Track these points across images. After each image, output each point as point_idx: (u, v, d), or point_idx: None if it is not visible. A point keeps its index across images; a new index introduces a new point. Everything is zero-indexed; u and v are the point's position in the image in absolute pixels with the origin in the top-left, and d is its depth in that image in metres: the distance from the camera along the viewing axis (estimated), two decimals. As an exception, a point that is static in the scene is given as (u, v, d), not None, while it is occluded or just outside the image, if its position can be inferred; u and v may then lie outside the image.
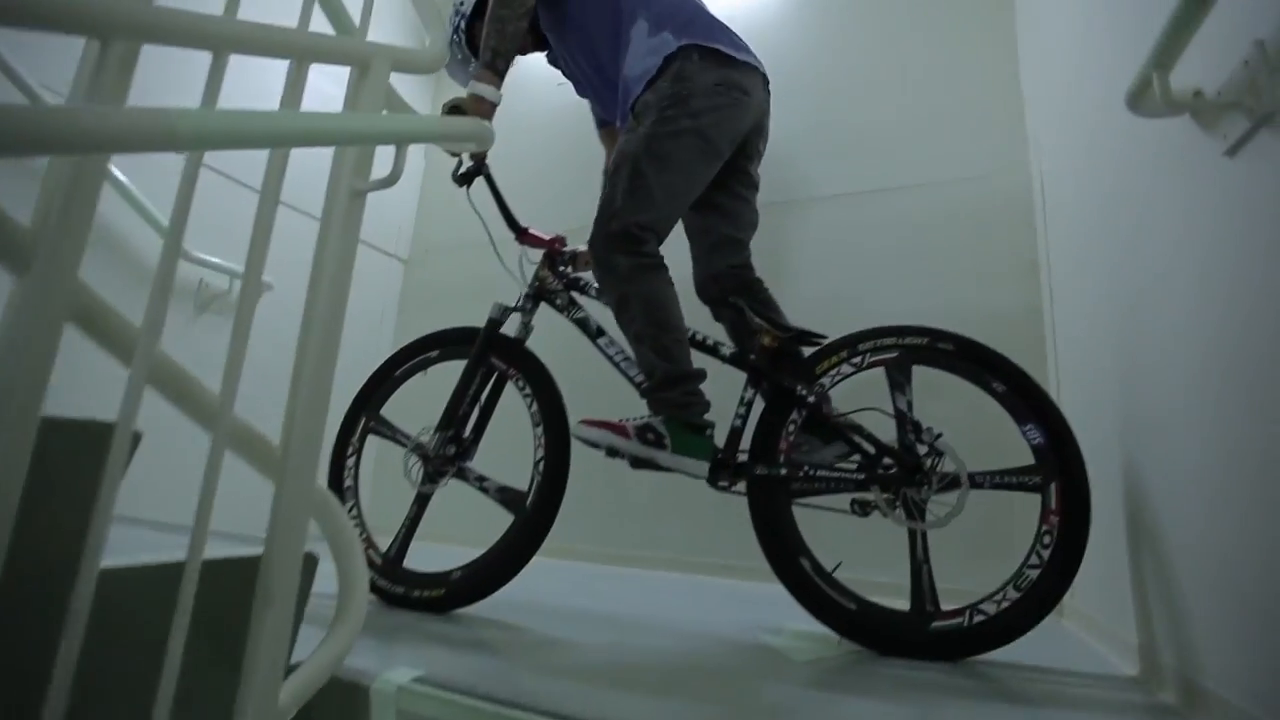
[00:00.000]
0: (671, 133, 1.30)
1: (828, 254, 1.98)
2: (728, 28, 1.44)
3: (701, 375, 1.29)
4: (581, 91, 1.66)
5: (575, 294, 1.50)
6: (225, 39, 0.64)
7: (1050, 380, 1.62)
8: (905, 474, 1.19)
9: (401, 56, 0.93)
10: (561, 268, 1.54)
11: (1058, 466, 1.14)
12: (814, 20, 2.21)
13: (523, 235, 1.55)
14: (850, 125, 2.06)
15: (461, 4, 1.58)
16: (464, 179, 1.50)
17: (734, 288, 1.47)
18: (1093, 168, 1.31)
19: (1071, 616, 1.48)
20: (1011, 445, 1.19)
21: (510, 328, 1.50)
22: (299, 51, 0.73)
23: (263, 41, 0.69)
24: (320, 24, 0.79)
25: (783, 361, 1.32)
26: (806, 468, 1.25)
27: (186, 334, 1.81)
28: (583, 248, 1.71)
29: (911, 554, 1.19)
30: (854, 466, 1.25)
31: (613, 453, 1.27)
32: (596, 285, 1.45)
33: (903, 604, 1.18)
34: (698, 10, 1.44)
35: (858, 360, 1.28)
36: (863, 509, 1.22)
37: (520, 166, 2.48)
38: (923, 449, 1.20)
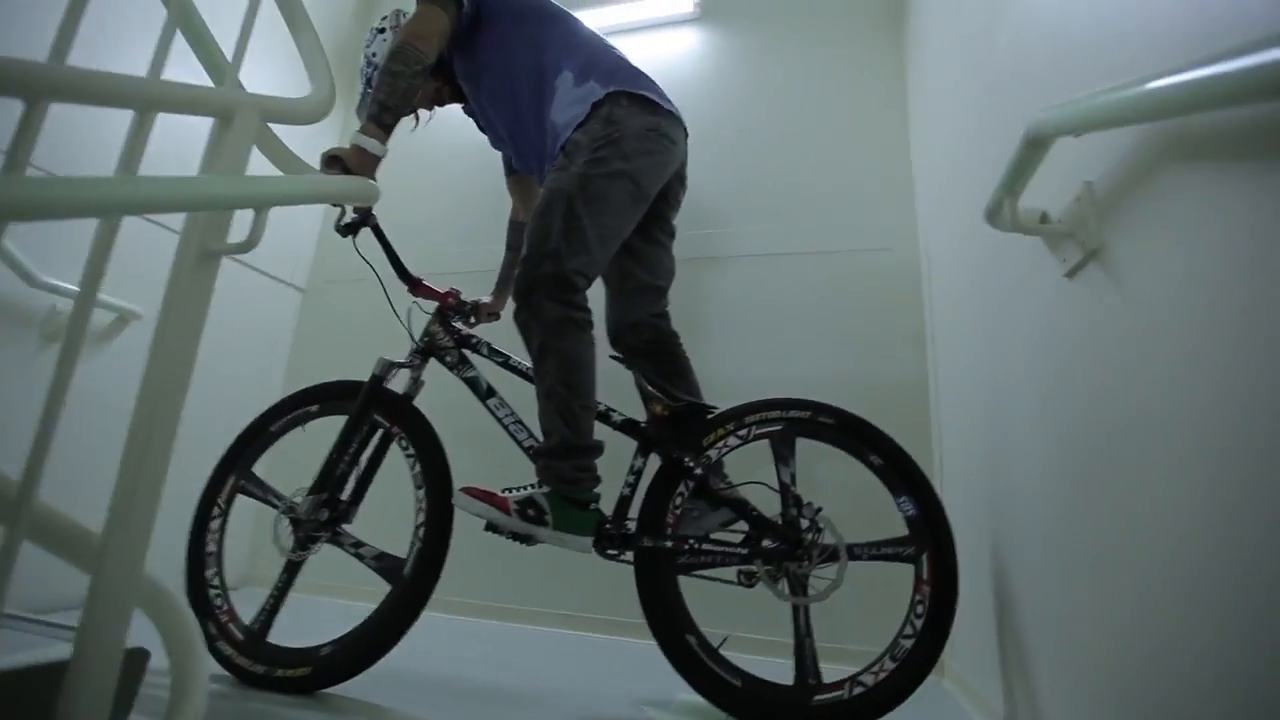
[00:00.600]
0: (605, 174, 1.28)
1: (733, 313, 2.03)
2: (650, 77, 1.46)
3: (599, 449, 1.26)
4: (496, 143, 1.64)
5: (467, 351, 1.46)
6: (40, 85, 0.57)
7: (934, 450, 1.71)
8: (787, 548, 1.22)
9: (275, 106, 0.87)
10: (454, 323, 1.49)
11: (929, 537, 1.19)
12: (727, 85, 2.31)
13: (416, 287, 1.50)
14: (757, 189, 2.14)
15: (374, 54, 1.55)
16: (348, 229, 1.43)
17: (652, 337, 1.47)
18: (966, 257, 1.41)
19: (951, 677, 1.54)
20: (888, 516, 1.24)
21: (401, 383, 1.43)
22: (141, 101, 0.66)
23: (93, 89, 0.62)
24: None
25: (673, 432, 1.32)
26: (692, 541, 1.24)
27: (30, 367, 1.61)
28: (485, 298, 1.68)
29: (795, 628, 1.20)
30: (739, 539, 1.26)
31: (491, 528, 1.23)
32: (495, 347, 1.43)
33: (788, 674, 1.19)
34: (620, 60, 1.46)
35: (744, 433, 1.31)
36: (749, 579, 1.23)
37: (418, 204, 2.43)
38: (804, 523, 1.23)
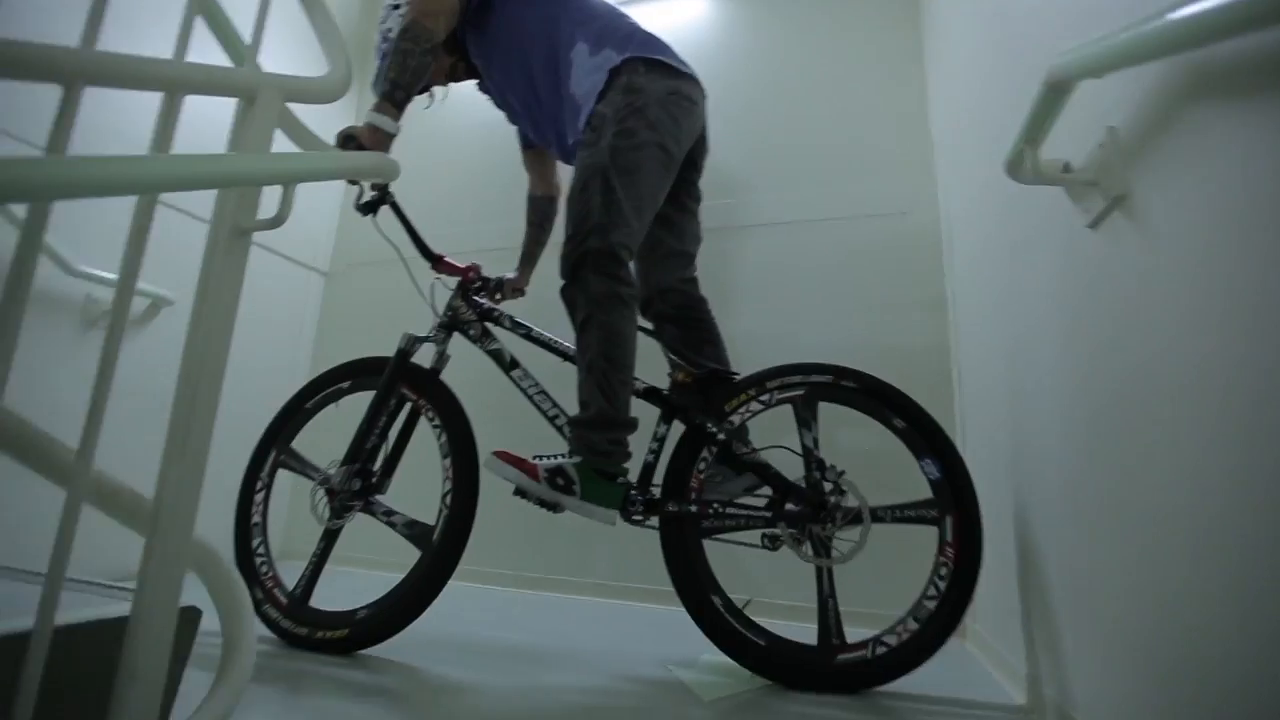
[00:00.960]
0: (634, 145, 1.30)
1: (753, 281, 2.02)
2: (664, 42, 1.46)
3: (633, 425, 1.27)
4: (513, 118, 1.64)
5: (489, 324, 1.48)
6: (76, 70, 0.59)
7: (956, 413, 1.70)
8: (810, 511, 1.23)
9: (295, 86, 0.89)
10: (477, 297, 1.52)
11: (952, 500, 1.19)
12: (742, 54, 2.27)
13: (438, 263, 1.53)
14: (774, 156, 2.11)
15: (389, 29, 1.54)
16: (367, 208, 1.45)
17: (681, 303, 1.49)
18: (985, 216, 1.39)
19: (973, 640, 1.55)
20: (913, 479, 1.25)
21: (428, 358, 1.47)
22: (168, 83, 0.68)
23: (123, 73, 0.64)
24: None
25: (696, 398, 1.34)
26: (716, 504, 1.27)
27: (73, 355, 1.68)
28: (509, 274, 1.70)
29: (819, 589, 1.22)
30: (763, 502, 1.27)
31: (520, 493, 1.25)
32: (516, 320, 1.46)
33: (812, 636, 1.21)
34: (634, 27, 1.46)
35: (766, 398, 1.32)
36: (773, 543, 1.25)
37: (437, 182, 2.44)
38: (827, 486, 1.24)
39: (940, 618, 1.16)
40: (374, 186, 1.44)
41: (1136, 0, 0.70)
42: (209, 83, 0.72)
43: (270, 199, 0.80)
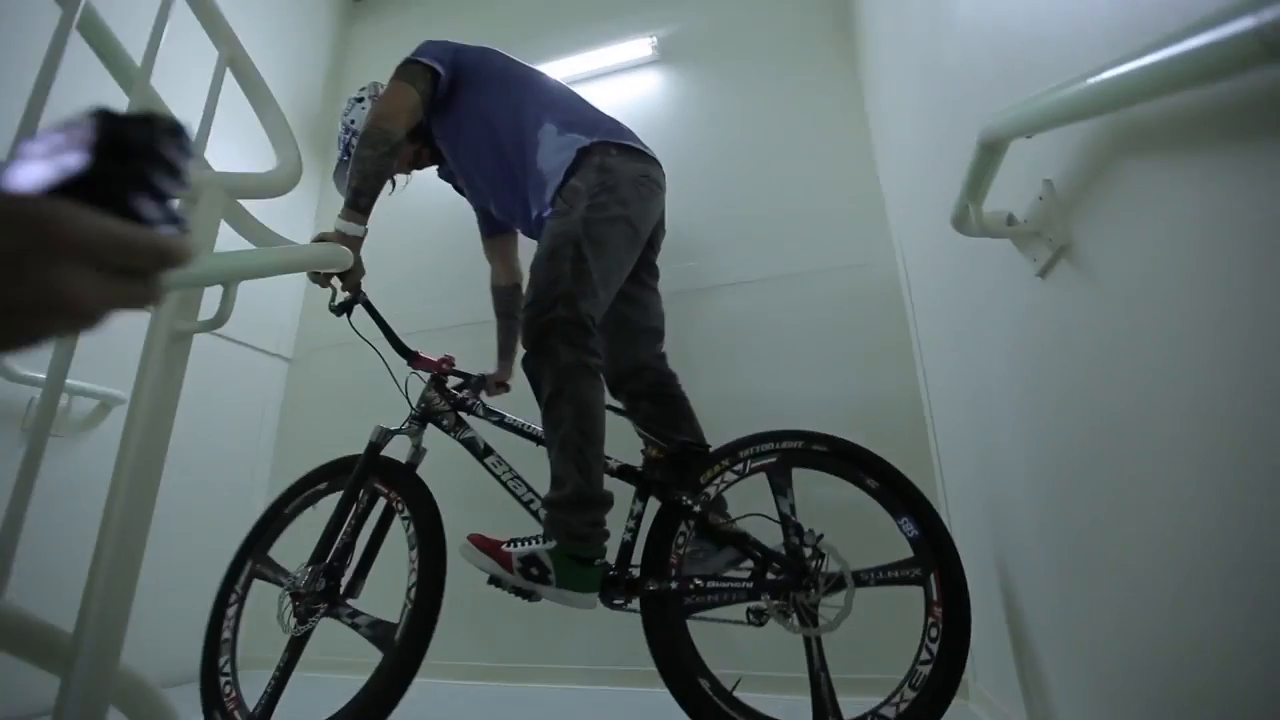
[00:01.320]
0: (606, 219, 1.32)
1: (719, 342, 2.03)
2: (629, 128, 1.53)
3: (609, 502, 1.22)
4: (478, 199, 1.68)
5: (462, 414, 1.47)
6: None
7: (934, 463, 1.69)
8: (793, 579, 1.18)
9: (240, 183, 0.88)
10: (450, 388, 1.51)
11: (934, 557, 1.16)
12: (694, 123, 2.36)
13: (414, 360, 1.53)
14: (730, 218, 2.16)
15: (353, 122, 1.59)
16: (341, 309, 1.47)
17: (655, 380, 1.50)
18: (942, 266, 1.42)
19: (977, 699, 1.48)
20: (894, 536, 1.21)
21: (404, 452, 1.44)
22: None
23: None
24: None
25: (670, 473, 1.31)
26: (697, 580, 1.21)
27: (14, 462, 1.58)
28: (489, 371, 1.69)
29: (809, 662, 1.16)
30: (746, 574, 1.23)
31: (494, 581, 1.20)
32: (490, 408, 1.46)
33: (806, 713, 1.14)
34: (599, 115, 1.52)
35: (739, 468, 1.29)
36: (758, 618, 1.20)
37: (403, 262, 2.45)
38: (807, 551, 1.20)
39: (937, 681, 1.10)
40: (344, 287, 1.44)
41: (1054, 55, 0.73)
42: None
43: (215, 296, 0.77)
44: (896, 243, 1.91)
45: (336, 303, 1.46)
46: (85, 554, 0.94)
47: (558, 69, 2.54)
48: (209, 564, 2.06)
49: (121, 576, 0.65)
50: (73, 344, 0.65)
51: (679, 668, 1.17)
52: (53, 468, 0.67)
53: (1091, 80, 0.48)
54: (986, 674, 1.39)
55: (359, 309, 1.47)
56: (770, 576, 1.20)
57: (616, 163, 1.39)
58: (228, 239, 0.94)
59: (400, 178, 1.70)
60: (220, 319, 0.75)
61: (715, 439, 1.41)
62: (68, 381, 1.65)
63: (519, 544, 1.20)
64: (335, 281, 1.42)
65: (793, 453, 1.27)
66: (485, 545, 1.20)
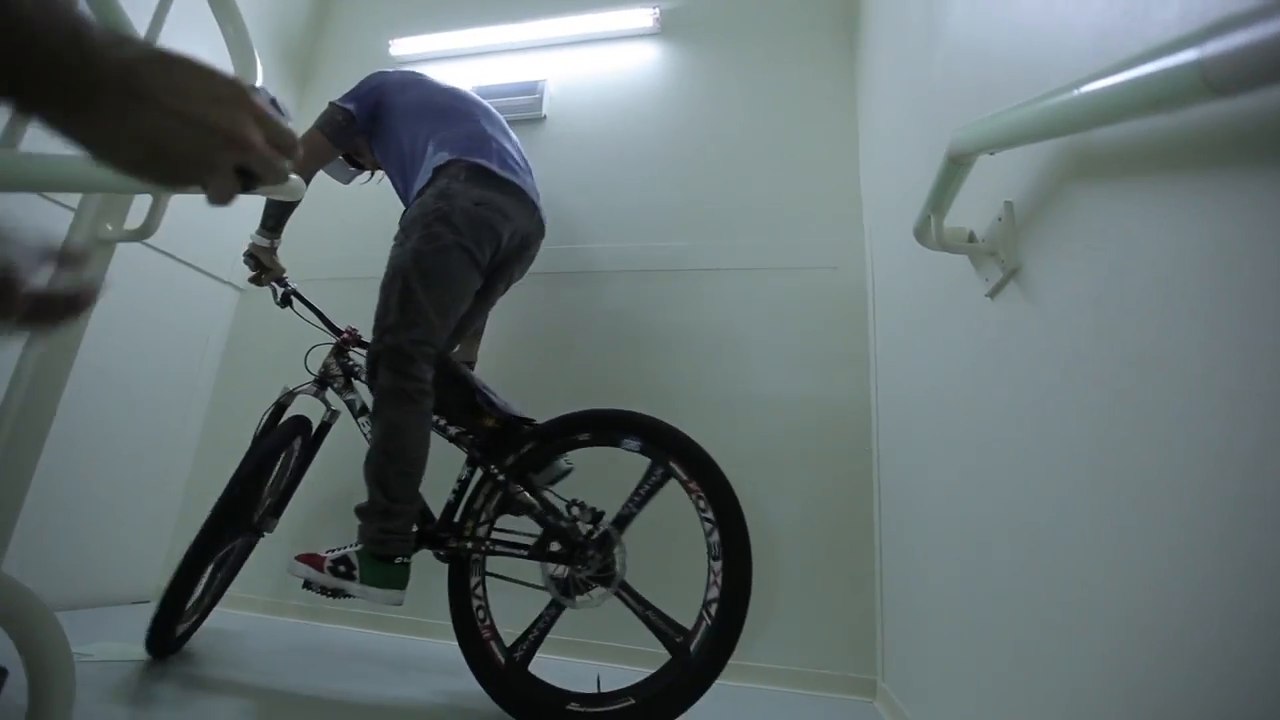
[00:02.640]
0: (438, 249, 1.41)
1: (679, 327, 2.02)
2: (507, 151, 1.62)
3: (411, 513, 1.35)
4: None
5: (353, 379, 1.65)
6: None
7: (873, 470, 1.72)
8: (566, 551, 1.36)
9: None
10: (348, 355, 1.68)
11: (660, 449, 1.37)
12: (680, 102, 2.32)
13: (339, 335, 1.72)
14: (710, 203, 2.14)
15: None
16: (284, 302, 1.70)
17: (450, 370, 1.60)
18: (904, 278, 1.44)
19: (881, 699, 1.53)
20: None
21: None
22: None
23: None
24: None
25: (491, 443, 1.47)
26: (489, 544, 1.39)
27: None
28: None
29: (635, 607, 1.32)
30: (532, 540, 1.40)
31: (307, 585, 1.32)
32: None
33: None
34: (473, 130, 1.62)
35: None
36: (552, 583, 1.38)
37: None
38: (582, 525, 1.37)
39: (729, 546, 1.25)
40: (277, 284, 1.70)
41: (1034, 77, 0.73)
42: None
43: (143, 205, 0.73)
44: (868, 249, 1.92)
45: (279, 299, 1.70)
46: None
47: (553, 26, 2.47)
48: (144, 487, 2.03)
49: (9, 482, 0.61)
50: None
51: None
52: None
53: (1045, 103, 0.48)
54: (894, 675, 1.44)
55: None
56: (553, 549, 1.36)
57: (459, 188, 1.47)
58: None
59: (379, 173, 1.89)
60: (147, 229, 0.71)
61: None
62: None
63: (335, 550, 1.33)
64: (273, 284, 1.69)
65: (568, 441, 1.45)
66: (305, 557, 1.33)
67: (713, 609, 1.21)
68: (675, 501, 1.35)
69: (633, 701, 1.19)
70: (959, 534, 0.97)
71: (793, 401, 1.85)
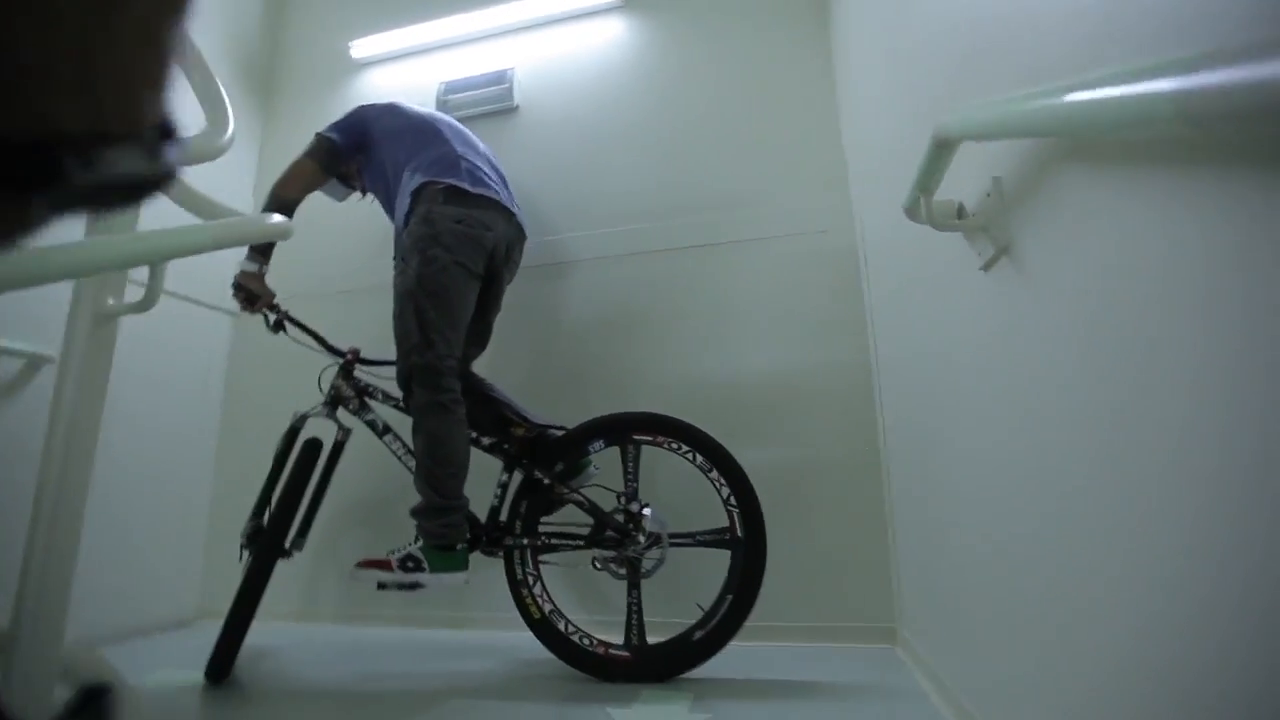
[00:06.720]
0: (438, 270, 1.54)
1: (675, 306, 2.03)
2: (478, 167, 1.70)
3: (463, 507, 1.52)
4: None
5: (366, 399, 1.71)
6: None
7: (879, 432, 1.76)
8: (617, 538, 1.52)
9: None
10: (356, 375, 1.73)
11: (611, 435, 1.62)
12: (650, 77, 2.28)
13: (338, 355, 1.76)
14: (691, 179, 2.13)
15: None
16: (277, 328, 1.72)
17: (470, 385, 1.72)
18: (896, 242, 1.44)
19: (902, 645, 1.60)
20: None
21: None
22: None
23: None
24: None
25: (528, 450, 1.62)
26: (544, 537, 1.55)
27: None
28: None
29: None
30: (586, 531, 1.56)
31: (382, 586, 1.46)
32: (388, 393, 1.70)
33: None
34: (444, 153, 1.70)
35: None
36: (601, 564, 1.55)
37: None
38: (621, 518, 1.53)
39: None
40: (269, 310, 1.71)
41: (1017, 41, 0.73)
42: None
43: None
44: (856, 213, 1.92)
45: (271, 326, 1.72)
46: (13, 525, 0.92)
47: (514, 10, 2.41)
48: (171, 513, 2.06)
49: (58, 558, 0.64)
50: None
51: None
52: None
53: (1030, 104, 0.49)
54: (914, 623, 1.50)
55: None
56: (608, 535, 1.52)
57: (439, 210, 1.58)
58: (165, 210, 0.88)
59: (370, 195, 1.94)
60: (148, 302, 0.72)
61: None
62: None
63: (398, 550, 1.49)
64: (264, 311, 1.71)
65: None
66: (369, 563, 1.49)
67: (731, 500, 1.50)
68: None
69: (734, 593, 1.43)
70: (976, 478, 1.01)
71: (794, 367, 1.88)
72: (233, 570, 1.60)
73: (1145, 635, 0.53)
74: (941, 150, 0.76)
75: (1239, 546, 0.41)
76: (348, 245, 2.36)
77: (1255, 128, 0.29)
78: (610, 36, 2.38)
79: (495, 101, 2.35)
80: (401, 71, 2.57)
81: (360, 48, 2.56)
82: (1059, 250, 0.66)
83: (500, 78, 2.38)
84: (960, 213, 0.89)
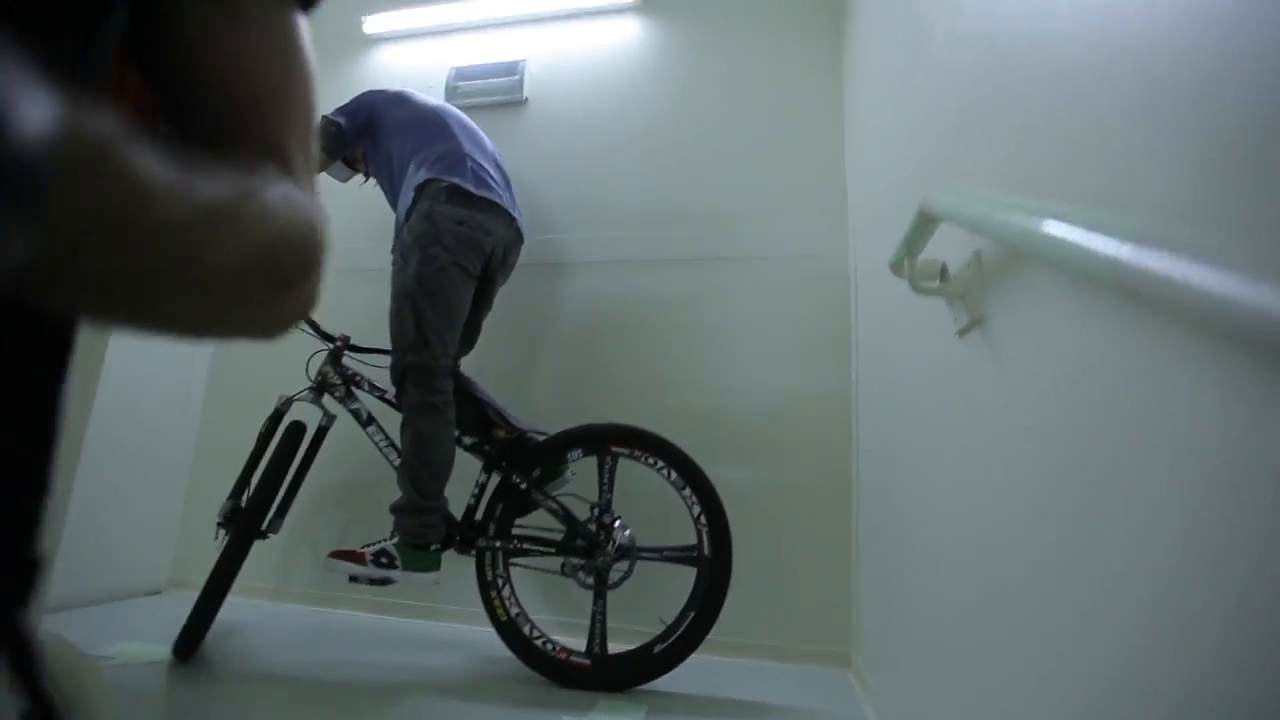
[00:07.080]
0: (437, 270, 1.55)
1: (661, 316, 2.04)
2: (483, 168, 1.70)
3: (442, 508, 1.55)
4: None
5: (353, 388, 1.72)
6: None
7: (853, 457, 1.79)
8: (587, 547, 1.55)
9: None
10: (344, 363, 1.74)
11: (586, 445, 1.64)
12: (661, 81, 2.27)
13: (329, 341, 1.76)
14: (690, 190, 2.13)
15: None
16: None
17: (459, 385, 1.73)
18: (886, 280, 1.45)
19: (854, 673, 1.64)
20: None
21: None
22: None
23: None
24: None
25: (508, 453, 1.63)
26: (516, 541, 1.57)
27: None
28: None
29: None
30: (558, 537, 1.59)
31: (354, 579, 1.49)
32: (374, 383, 1.71)
33: None
34: (450, 150, 1.69)
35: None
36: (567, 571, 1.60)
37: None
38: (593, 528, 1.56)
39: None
40: None
41: (1011, 90, 0.75)
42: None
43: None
44: (852, 241, 1.94)
45: None
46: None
47: (530, 3, 2.39)
48: (151, 482, 2.07)
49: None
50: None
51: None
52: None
53: (1006, 215, 0.50)
54: (868, 652, 1.54)
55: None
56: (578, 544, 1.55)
57: (441, 209, 1.59)
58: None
59: (372, 179, 1.95)
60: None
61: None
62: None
63: (373, 545, 1.52)
64: None
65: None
66: (342, 554, 1.52)
67: (701, 519, 1.52)
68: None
69: (696, 610, 1.46)
70: (939, 523, 1.04)
71: (777, 389, 1.90)
72: (207, 542, 1.61)
73: (1097, 693, 0.56)
74: (926, 222, 0.77)
75: (1197, 618, 0.44)
76: (349, 226, 2.34)
77: (1185, 315, 0.31)
78: (624, 37, 2.36)
79: (505, 93, 2.34)
80: (413, 52, 2.54)
81: (373, 23, 2.53)
82: (1026, 334, 0.68)
83: (512, 69, 2.36)
84: (944, 274, 0.91)
